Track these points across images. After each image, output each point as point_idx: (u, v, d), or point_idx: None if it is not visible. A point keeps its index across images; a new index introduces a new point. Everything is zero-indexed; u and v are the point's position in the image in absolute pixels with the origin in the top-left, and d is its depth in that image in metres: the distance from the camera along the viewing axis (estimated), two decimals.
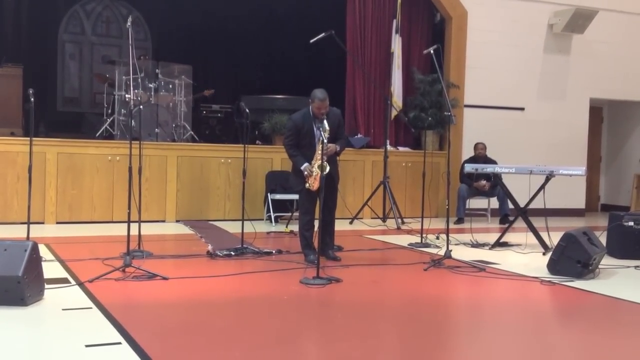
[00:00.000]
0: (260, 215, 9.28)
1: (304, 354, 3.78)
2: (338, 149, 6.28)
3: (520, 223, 7.57)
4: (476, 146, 10.23)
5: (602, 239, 6.70)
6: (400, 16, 10.54)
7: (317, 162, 6.06)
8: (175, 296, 4.89)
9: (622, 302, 5.15)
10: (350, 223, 9.45)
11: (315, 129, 6.17)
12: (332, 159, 6.23)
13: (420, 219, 7.86)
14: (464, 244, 7.63)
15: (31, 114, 5.77)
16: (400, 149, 10.71)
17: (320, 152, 5.83)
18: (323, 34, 8.49)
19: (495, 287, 5.59)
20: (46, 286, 4.67)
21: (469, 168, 8.13)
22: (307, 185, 6.15)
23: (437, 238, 7.73)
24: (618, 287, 5.62)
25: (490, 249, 7.40)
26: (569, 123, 11.65)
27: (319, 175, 5.88)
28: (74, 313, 4.32)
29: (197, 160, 9.26)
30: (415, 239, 7.79)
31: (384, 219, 9.68)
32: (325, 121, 6.00)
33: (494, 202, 10.24)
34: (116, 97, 9.84)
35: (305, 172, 6.14)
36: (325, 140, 5.81)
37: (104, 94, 10.37)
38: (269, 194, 9.19)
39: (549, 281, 5.68)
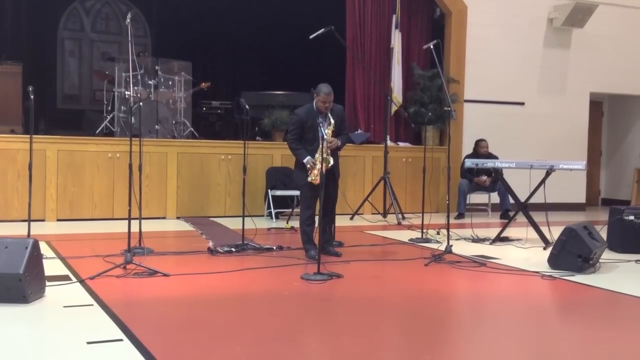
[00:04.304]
0: (261, 211, 9.29)
1: (305, 349, 3.78)
2: (340, 143, 6.29)
3: (520, 218, 7.58)
4: (479, 144, 10.20)
5: (603, 233, 6.70)
6: (400, 11, 10.54)
7: (319, 156, 6.05)
8: (176, 293, 4.90)
9: (623, 296, 5.15)
10: (351, 219, 9.45)
11: (319, 123, 6.17)
12: (333, 155, 6.24)
13: (420, 214, 7.86)
14: (465, 239, 7.64)
15: (31, 112, 5.76)
16: (401, 144, 10.70)
17: (323, 147, 5.83)
18: (323, 29, 8.47)
19: (495, 282, 5.59)
20: (47, 283, 4.67)
21: (469, 163, 8.12)
22: (310, 178, 6.15)
23: (438, 233, 7.73)
24: (619, 281, 5.62)
25: (490, 243, 7.40)
26: (569, 117, 11.65)
27: (323, 168, 5.87)
28: (75, 310, 4.33)
29: (198, 157, 9.26)
30: (416, 234, 7.79)
31: (384, 215, 9.68)
32: (330, 116, 6.04)
33: (495, 197, 10.26)
34: (116, 94, 9.84)
35: (308, 165, 6.14)
36: (325, 136, 5.83)
37: (104, 91, 10.37)
38: (269, 190, 9.19)
39: (550, 276, 5.68)
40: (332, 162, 6.06)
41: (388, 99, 10.28)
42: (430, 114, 10.18)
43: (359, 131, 10.47)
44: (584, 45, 11.65)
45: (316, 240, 6.15)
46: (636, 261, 6.50)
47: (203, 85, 10.87)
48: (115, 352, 3.51)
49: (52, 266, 5.43)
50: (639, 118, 12.61)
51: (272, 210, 9.09)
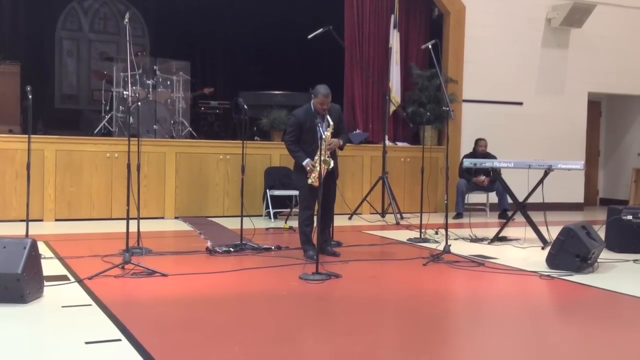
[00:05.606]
0: (259, 211, 9.28)
1: (303, 349, 3.78)
2: (341, 143, 6.29)
3: (519, 217, 7.58)
4: (478, 142, 10.21)
5: (601, 233, 6.71)
6: (398, 11, 10.54)
7: (319, 158, 6.04)
8: (174, 293, 4.90)
9: (621, 295, 5.16)
10: (349, 218, 9.45)
11: (317, 124, 6.15)
12: (332, 154, 6.23)
13: (419, 214, 7.87)
14: (463, 238, 7.64)
15: (29, 111, 5.76)
16: (399, 144, 10.71)
17: (322, 148, 5.82)
18: (321, 29, 8.48)
19: (494, 282, 5.60)
20: (45, 283, 4.67)
21: (467, 163, 8.12)
22: (310, 180, 6.14)
23: (436, 233, 7.73)
24: (617, 280, 5.63)
25: (489, 243, 7.40)
26: (568, 117, 11.66)
27: (323, 169, 5.85)
28: (73, 310, 4.32)
29: (196, 157, 9.25)
30: (414, 234, 7.79)
31: (383, 215, 9.68)
32: (328, 117, 6.03)
33: (493, 197, 10.26)
34: (114, 93, 9.84)
35: (308, 168, 6.14)
36: (324, 136, 5.82)
37: (102, 91, 10.36)
38: (267, 190, 9.19)
39: (548, 275, 5.68)
40: (332, 164, 6.04)
41: (386, 99, 10.28)
42: (428, 113, 10.18)
43: (358, 131, 10.47)
44: (582, 45, 11.66)
45: (315, 240, 6.15)
46: (634, 261, 6.51)
47: (206, 90, 10.90)
48: (114, 352, 3.51)
49: (50, 266, 5.42)
50: (637, 118, 12.63)
51: (271, 210, 9.09)
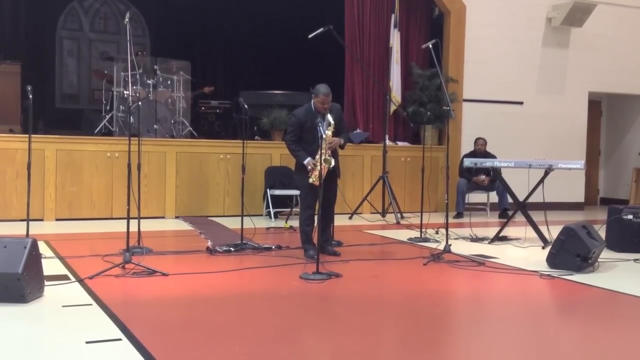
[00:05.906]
0: (260, 211, 9.28)
1: (304, 349, 3.78)
2: (342, 142, 6.29)
3: (519, 217, 7.58)
4: (476, 141, 10.23)
5: (602, 232, 6.71)
6: (399, 11, 10.54)
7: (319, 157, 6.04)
8: (175, 292, 4.90)
9: (622, 295, 5.16)
10: (350, 218, 9.45)
11: (318, 124, 6.14)
12: (333, 153, 6.23)
13: (419, 214, 7.87)
14: (463, 238, 7.64)
15: (30, 111, 5.76)
16: (399, 143, 10.70)
17: (323, 147, 5.82)
18: (321, 29, 8.48)
19: (494, 281, 5.60)
20: (46, 283, 4.67)
21: (468, 162, 8.12)
22: (311, 180, 6.13)
23: (437, 232, 7.73)
24: (617, 280, 5.63)
25: (489, 243, 7.40)
26: (568, 117, 11.65)
27: (324, 168, 5.85)
28: (74, 310, 4.32)
29: (196, 157, 9.25)
30: (415, 233, 7.79)
31: (383, 214, 9.68)
32: (329, 116, 6.02)
33: (493, 197, 10.26)
34: (115, 93, 9.84)
35: (309, 167, 6.13)
36: (324, 136, 5.82)
37: (103, 91, 10.37)
38: (268, 190, 9.19)
39: (548, 275, 5.68)
40: (333, 163, 6.04)
41: (387, 99, 10.28)
42: (429, 113, 10.18)
43: (358, 131, 10.47)
44: (582, 44, 11.65)
45: (315, 239, 6.15)
46: (635, 260, 6.51)
47: (206, 90, 10.90)
48: (114, 352, 3.51)
49: (50, 266, 5.43)
50: (637, 117, 12.62)
51: (271, 209, 9.09)
